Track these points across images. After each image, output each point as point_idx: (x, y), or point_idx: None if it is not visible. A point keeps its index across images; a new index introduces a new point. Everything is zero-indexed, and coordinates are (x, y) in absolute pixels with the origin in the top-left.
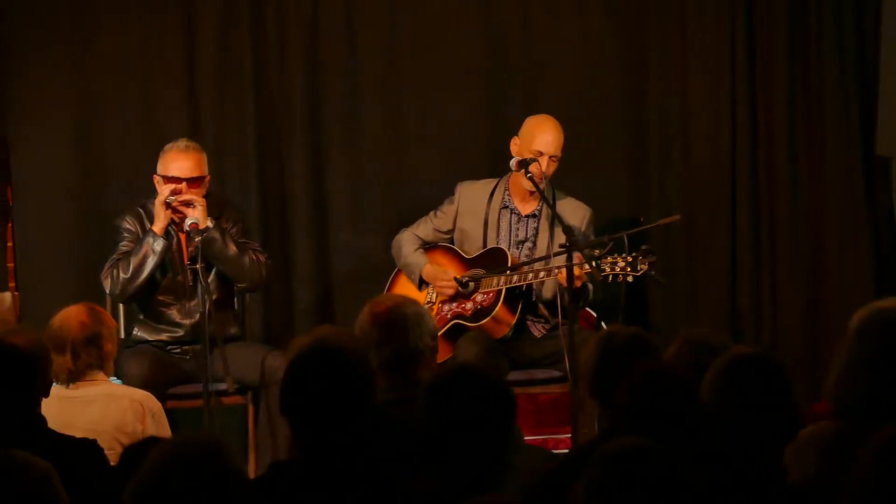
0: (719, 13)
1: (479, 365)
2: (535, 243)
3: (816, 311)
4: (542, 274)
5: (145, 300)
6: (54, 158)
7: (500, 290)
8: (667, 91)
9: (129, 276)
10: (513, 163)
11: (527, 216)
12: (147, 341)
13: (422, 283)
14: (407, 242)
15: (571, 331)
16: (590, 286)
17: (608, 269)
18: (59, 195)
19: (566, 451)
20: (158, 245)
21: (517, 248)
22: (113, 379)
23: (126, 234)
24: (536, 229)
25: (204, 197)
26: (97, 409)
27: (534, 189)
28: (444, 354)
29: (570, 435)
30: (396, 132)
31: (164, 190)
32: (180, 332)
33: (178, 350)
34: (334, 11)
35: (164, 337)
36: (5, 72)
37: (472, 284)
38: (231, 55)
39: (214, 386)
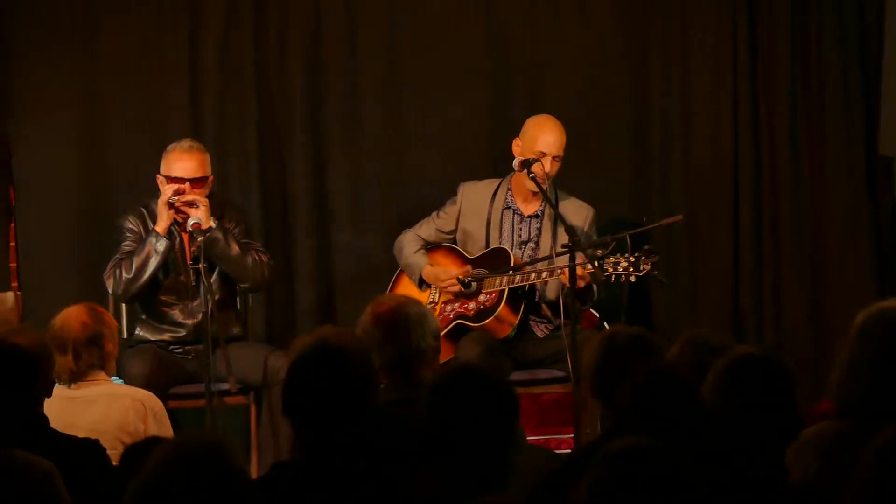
0: (721, 13)
1: (481, 365)
2: (537, 244)
3: (818, 310)
4: (544, 274)
5: (148, 300)
6: (57, 158)
7: (502, 290)
8: (669, 91)
9: (131, 276)
10: (515, 163)
11: (529, 216)
12: (149, 341)
13: (422, 284)
14: (409, 243)
15: (574, 331)
16: (594, 287)
17: (611, 270)
18: (62, 195)
19: (568, 451)
20: (161, 245)
21: (520, 249)
22: (114, 379)
23: (129, 234)
24: (539, 229)
25: (207, 197)
26: (99, 408)
27: (537, 189)
28: (446, 354)
29: (572, 435)
30: (397, 132)
31: (167, 190)
32: (182, 332)
33: (181, 350)
34: (335, 11)
35: (166, 337)
36: (7, 71)
37: (474, 284)
38: (232, 55)
39: (217, 386)
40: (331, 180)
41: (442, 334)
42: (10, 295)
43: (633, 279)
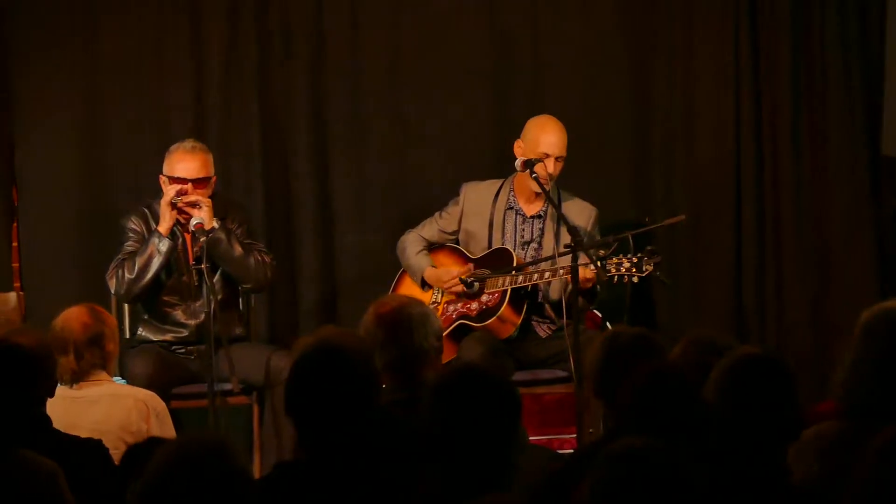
0: (723, 12)
1: (483, 365)
2: (540, 244)
3: (820, 310)
4: (547, 274)
5: (150, 300)
6: (59, 158)
7: (505, 291)
8: (671, 90)
9: (134, 276)
10: (518, 163)
11: (532, 217)
12: (152, 341)
13: (424, 285)
14: (411, 244)
15: (576, 331)
16: (597, 286)
17: (613, 270)
18: (64, 195)
19: (571, 451)
20: (164, 245)
21: (522, 249)
22: (116, 378)
23: (131, 235)
24: (542, 230)
25: (209, 197)
26: (102, 408)
27: (540, 190)
28: (448, 355)
29: (574, 435)
30: (400, 132)
31: (169, 190)
32: (185, 333)
33: (183, 350)
34: (338, 11)
35: (168, 337)
36: (9, 72)
37: (477, 285)
38: (235, 55)
39: (219, 386)
40: (333, 180)
41: (444, 334)
42: (12, 295)
43: (635, 280)
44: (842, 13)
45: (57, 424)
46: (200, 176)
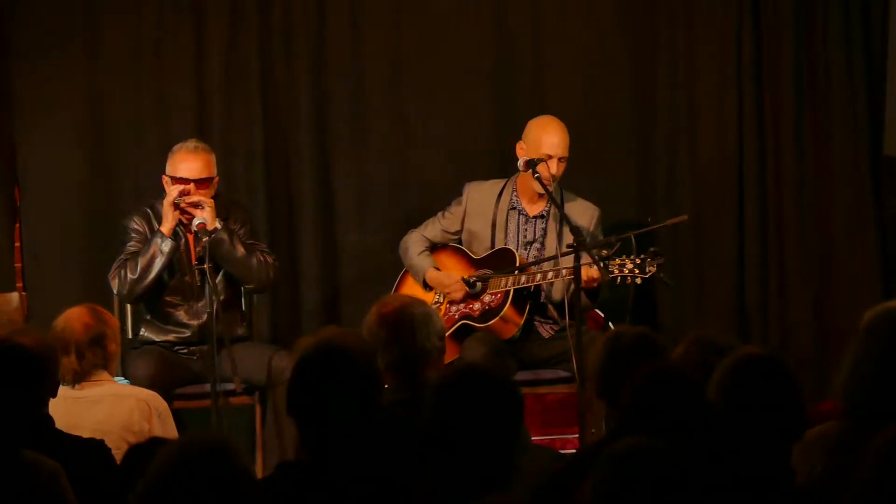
0: (725, 11)
1: (486, 365)
2: (543, 244)
3: (823, 309)
4: (550, 275)
5: (153, 301)
6: (62, 159)
7: (508, 291)
8: (673, 90)
9: (136, 276)
10: (520, 163)
11: (534, 217)
12: (154, 342)
13: (426, 285)
14: (414, 244)
15: (578, 331)
16: (600, 287)
17: (616, 271)
18: (67, 195)
19: (573, 451)
20: (166, 246)
21: (525, 249)
22: (118, 379)
23: (134, 235)
24: (545, 230)
25: (212, 198)
26: (104, 409)
27: (542, 191)
28: (451, 355)
29: (577, 435)
30: (403, 133)
31: (172, 191)
32: (187, 333)
33: (186, 350)
34: (340, 12)
35: (171, 337)
36: (10, 72)
37: (479, 285)
38: (238, 56)
39: (222, 386)
40: (336, 181)
41: (447, 334)
42: (14, 295)
43: (638, 281)
44: (844, 12)
45: (59, 424)
46: (203, 176)
